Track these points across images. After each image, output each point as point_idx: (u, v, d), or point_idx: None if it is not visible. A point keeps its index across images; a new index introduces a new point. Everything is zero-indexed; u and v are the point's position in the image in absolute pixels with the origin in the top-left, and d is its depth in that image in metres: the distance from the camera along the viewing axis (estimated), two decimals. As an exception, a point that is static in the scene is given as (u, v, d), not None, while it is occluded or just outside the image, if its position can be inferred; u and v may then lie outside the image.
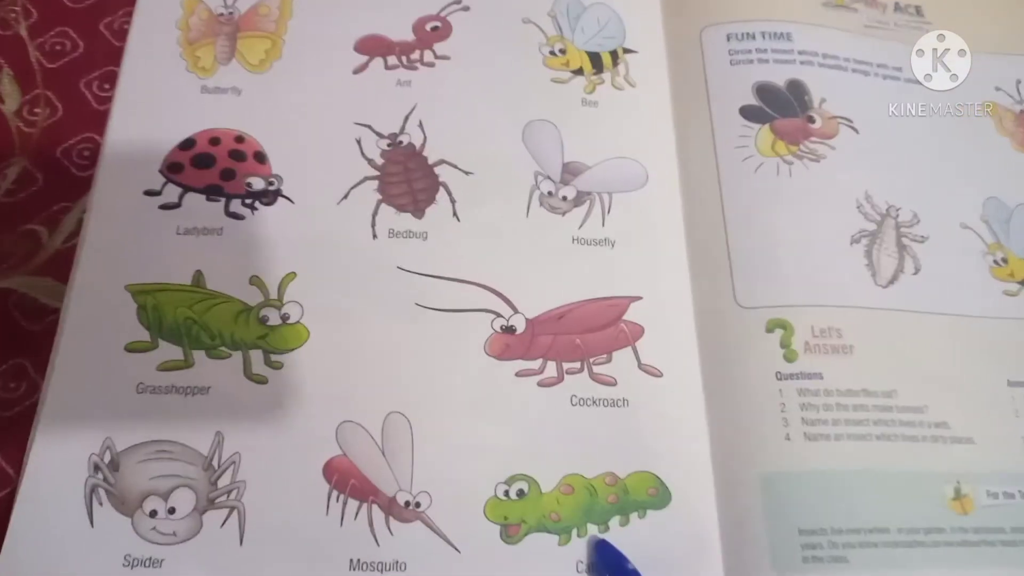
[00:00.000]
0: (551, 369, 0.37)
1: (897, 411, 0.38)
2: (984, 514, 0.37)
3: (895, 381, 0.38)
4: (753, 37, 0.45)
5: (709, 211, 0.41)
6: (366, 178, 0.40)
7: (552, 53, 0.44)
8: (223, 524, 0.33)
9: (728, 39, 0.45)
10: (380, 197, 0.40)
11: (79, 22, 0.43)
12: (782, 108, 0.44)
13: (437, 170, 0.41)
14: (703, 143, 0.43)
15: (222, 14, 0.43)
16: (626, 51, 0.45)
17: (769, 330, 0.39)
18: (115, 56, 0.42)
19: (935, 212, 0.43)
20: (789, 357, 0.38)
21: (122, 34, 0.42)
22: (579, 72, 0.44)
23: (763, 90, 0.44)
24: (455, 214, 0.40)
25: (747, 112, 0.44)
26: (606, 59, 0.45)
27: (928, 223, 0.42)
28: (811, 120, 0.44)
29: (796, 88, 0.44)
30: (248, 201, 0.39)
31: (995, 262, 0.42)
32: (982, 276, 0.42)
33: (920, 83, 0.46)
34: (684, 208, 0.41)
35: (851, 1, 0.48)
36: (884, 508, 0.36)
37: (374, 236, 0.39)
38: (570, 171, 0.41)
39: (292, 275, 0.38)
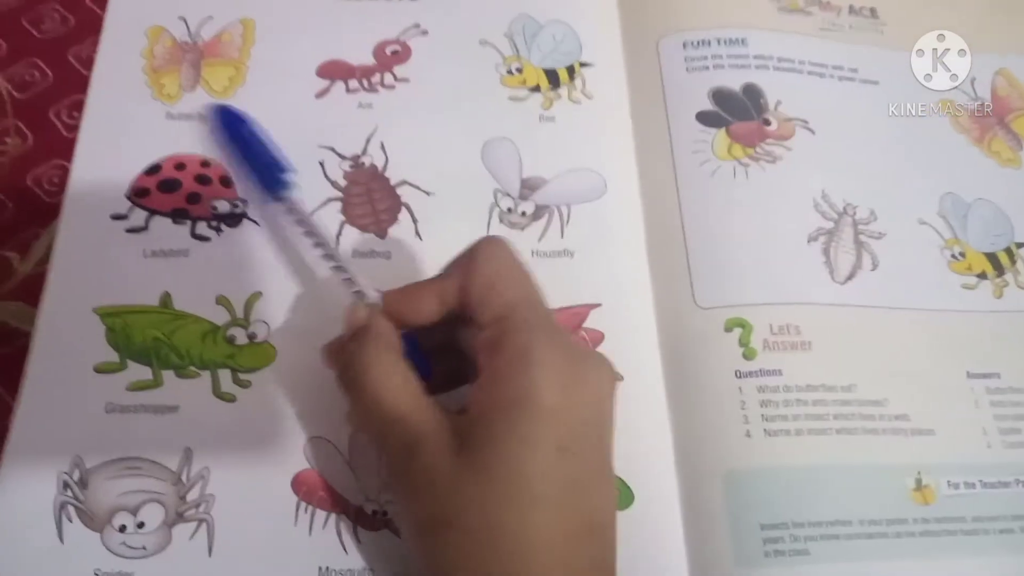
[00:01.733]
0: (514, 377, 0.38)
1: (857, 405, 0.38)
2: (946, 504, 0.37)
3: (854, 375, 0.39)
4: (709, 44, 0.46)
5: (668, 216, 0.42)
6: (329, 199, 0.41)
7: (509, 72, 0.45)
8: (192, 537, 0.34)
9: (684, 47, 0.46)
10: (344, 218, 0.41)
11: (47, 52, 0.45)
12: (738, 112, 0.45)
13: (399, 191, 0.42)
14: (661, 149, 0.44)
15: (186, 42, 0.44)
16: (583, 65, 0.46)
17: (728, 329, 0.39)
18: (83, 85, 0.43)
19: (892, 209, 0.44)
20: (748, 355, 0.39)
21: (90, 63, 0.44)
22: (536, 89, 0.45)
23: (719, 95, 0.45)
24: (417, 233, 0.41)
25: (704, 117, 0.45)
26: (562, 75, 0.45)
27: (886, 220, 0.43)
28: (767, 123, 0.45)
29: (752, 92, 0.45)
30: (214, 223, 0.40)
31: (953, 256, 0.43)
32: (940, 270, 0.43)
33: (876, 83, 0.47)
34: (644, 214, 0.42)
35: (806, 5, 0.49)
36: (845, 501, 0.36)
37: None
38: (529, 186, 0.42)
39: (258, 295, 0.38)
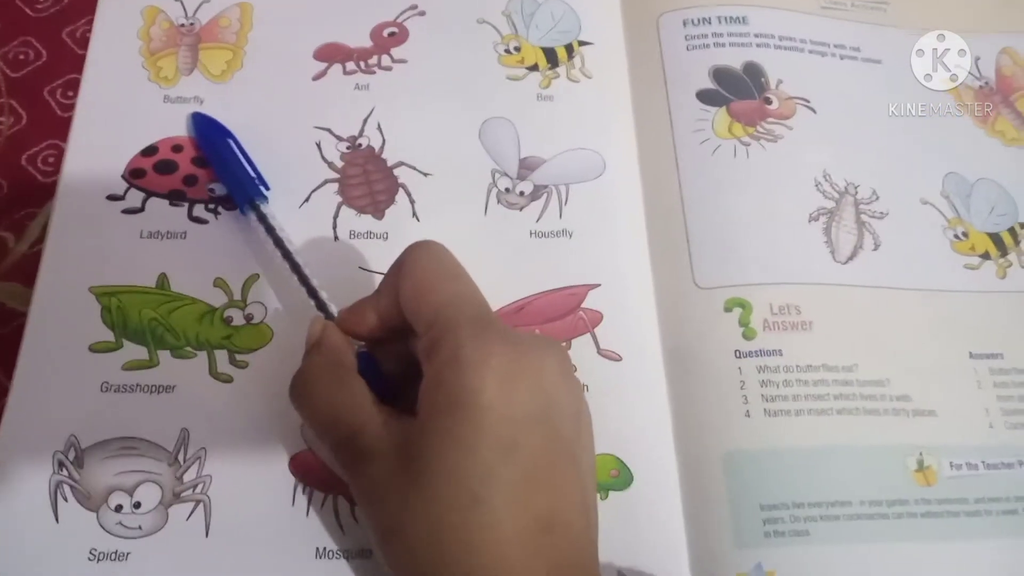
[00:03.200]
0: (511, 358, 0.38)
1: (858, 385, 0.38)
2: (947, 485, 0.37)
3: (855, 356, 0.39)
4: (709, 22, 0.46)
5: (667, 195, 0.42)
6: (326, 181, 0.41)
7: (507, 51, 0.45)
8: (189, 517, 0.34)
9: (684, 24, 0.46)
10: (341, 199, 0.41)
11: (42, 31, 0.44)
12: (739, 91, 0.44)
13: (396, 172, 0.41)
14: (661, 128, 0.43)
15: (183, 25, 0.44)
16: (581, 44, 0.46)
17: (728, 309, 0.39)
18: (78, 64, 0.43)
19: (895, 188, 0.43)
20: (748, 335, 0.38)
21: (85, 42, 0.43)
22: (534, 68, 0.45)
23: (720, 73, 0.45)
24: (415, 214, 0.41)
25: (704, 96, 0.44)
26: (560, 53, 0.45)
27: (888, 199, 0.43)
28: (768, 101, 0.44)
29: (752, 70, 0.45)
30: (211, 206, 0.40)
31: (955, 236, 0.43)
32: (943, 251, 0.42)
33: (878, 63, 0.46)
34: (643, 193, 0.42)
35: (808, -18, 0.48)
36: (846, 482, 0.36)
37: (336, 238, 0.40)
38: (527, 166, 0.42)
39: (255, 276, 0.38)
